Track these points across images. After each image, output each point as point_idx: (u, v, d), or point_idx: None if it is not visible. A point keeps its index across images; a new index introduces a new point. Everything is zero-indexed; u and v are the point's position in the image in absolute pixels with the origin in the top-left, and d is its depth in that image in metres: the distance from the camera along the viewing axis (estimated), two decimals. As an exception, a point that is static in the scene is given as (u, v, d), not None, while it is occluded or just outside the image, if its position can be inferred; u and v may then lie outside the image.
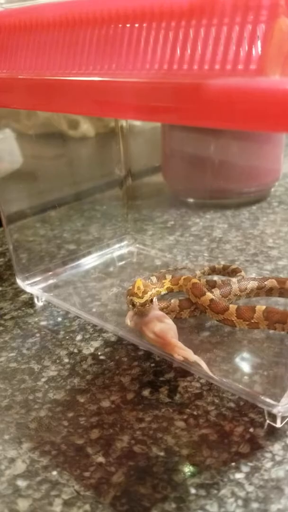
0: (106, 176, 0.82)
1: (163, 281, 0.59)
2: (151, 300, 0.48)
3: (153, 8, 0.32)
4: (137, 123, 0.83)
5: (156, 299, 0.50)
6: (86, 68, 0.36)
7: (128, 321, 0.49)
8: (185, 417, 0.43)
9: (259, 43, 0.28)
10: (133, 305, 0.47)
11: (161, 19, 0.32)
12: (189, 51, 0.31)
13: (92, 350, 0.52)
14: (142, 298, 0.47)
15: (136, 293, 0.48)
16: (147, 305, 0.47)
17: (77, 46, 0.37)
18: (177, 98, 0.30)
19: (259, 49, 0.28)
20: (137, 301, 0.47)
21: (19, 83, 0.42)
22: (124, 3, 0.34)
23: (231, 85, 0.28)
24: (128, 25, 0.34)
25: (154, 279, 0.60)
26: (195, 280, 0.55)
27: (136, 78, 0.33)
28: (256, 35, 0.28)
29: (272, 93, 0.27)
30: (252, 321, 0.49)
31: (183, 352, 0.43)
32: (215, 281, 0.58)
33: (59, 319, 0.58)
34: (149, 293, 0.48)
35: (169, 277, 0.59)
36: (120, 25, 0.34)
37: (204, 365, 0.42)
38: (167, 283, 0.58)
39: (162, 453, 0.39)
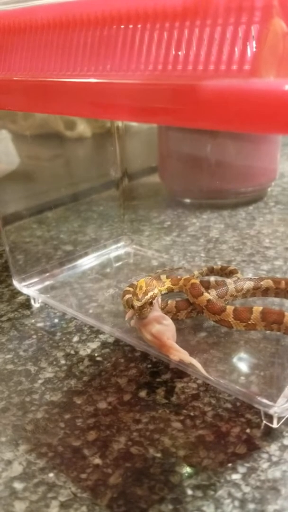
0: (102, 176, 0.82)
1: (164, 281, 0.58)
2: (151, 303, 0.47)
3: (147, 9, 0.32)
4: (134, 123, 0.83)
5: (159, 300, 0.49)
6: (80, 69, 0.36)
7: (128, 320, 0.48)
8: (181, 418, 0.43)
9: (253, 44, 0.28)
10: (133, 307, 0.47)
11: (155, 20, 0.32)
12: (183, 51, 0.31)
13: (89, 351, 0.52)
14: (141, 301, 0.46)
15: (137, 294, 0.47)
16: (145, 308, 0.46)
17: (72, 47, 0.37)
18: (171, 100, 0.30)
19: (254, 49, 0.28)
20: (136, 303, 0.46)
21: (14, 85, 0.42)
22: (118, 4, 0.34)
23: (225, 86, 0.28)
24: (122, 26, 0.34)
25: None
26: (194, 281, 0.55)
27: (130, 80, 0.33)
28: (249, 36, 0.28)
29: (266, 94, 0.27)
30: (249, 322, 0.49)
31: (178, 354, 0.43)
32: (209, 282, 0.58)
33: (56, 320, 0.58)
34: (149, 294, 0.47)
35: (163, 277, 0.59)
36: (114, 26, 0.34)
37: (199, 367, 0.42)
38: (168, 283, 0.58)
39: (159, 455, 0.39)
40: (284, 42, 0.28)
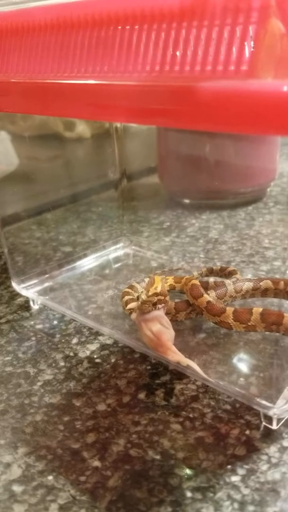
0: (101, 177, 0.82)
1: (167, 278, 0.58)
2: (154, 304, 0.46)
3: (144, 10, 0.32)
4: (133, 124, 0.83)
5: (165, 308, 0.48)
6: (78, 71, 0.36)
7: (128, 308, 0.48)
8: (181, 419, 0.43)
9: (251, 44, 0.28)
10: (137, 298, 0.47)
11: (152, 21, 0.32)
12: (180, 52, 0.31)
13: (88, 353, 0.52)
14: (147, 296, 0.46)
15: (149, 289, 0.47)
16: (148, 305, 0.46)
17: (69, 49, 0.37)
18: (168, 101, 0.30)
19: (251, 50, 0.28)
20: (142, 296, 0.46)
21: (12, 87, 0.42)
22: (116, 5, 0.34)
23: (223, 87, 0.28)
24: (119, 28, 0.34)
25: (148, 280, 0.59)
26: (194, 281, 0.54)
27: (127, 81, 0.33)
28: (247, 37, 0.28)
29: (264, 95, 0.27)
30: (249, 323, 0.49)
31: (175, 356, 0.43)
32: (207, 283, 0.58)
33: (55, 322, 0.58)
34: (158, 297, 0.46)
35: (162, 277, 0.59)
36: (111, 28, 0.34)
37: (197, 369, 0.42)
38: (170, 280, 0.58)
39: (158, 457, 0.39)
40: (281, 42, 0.28)
